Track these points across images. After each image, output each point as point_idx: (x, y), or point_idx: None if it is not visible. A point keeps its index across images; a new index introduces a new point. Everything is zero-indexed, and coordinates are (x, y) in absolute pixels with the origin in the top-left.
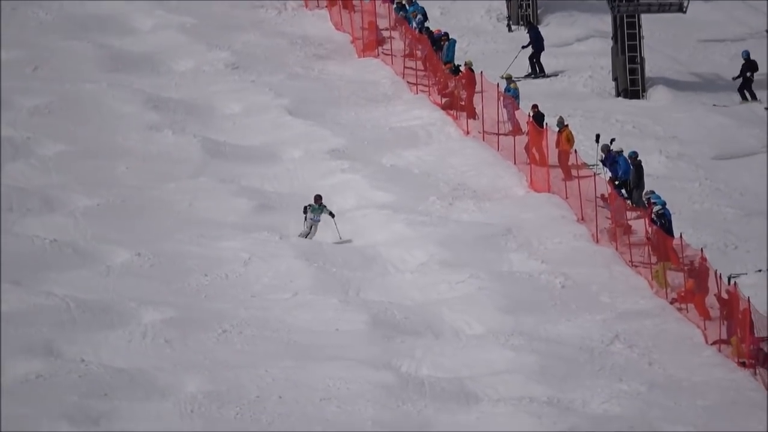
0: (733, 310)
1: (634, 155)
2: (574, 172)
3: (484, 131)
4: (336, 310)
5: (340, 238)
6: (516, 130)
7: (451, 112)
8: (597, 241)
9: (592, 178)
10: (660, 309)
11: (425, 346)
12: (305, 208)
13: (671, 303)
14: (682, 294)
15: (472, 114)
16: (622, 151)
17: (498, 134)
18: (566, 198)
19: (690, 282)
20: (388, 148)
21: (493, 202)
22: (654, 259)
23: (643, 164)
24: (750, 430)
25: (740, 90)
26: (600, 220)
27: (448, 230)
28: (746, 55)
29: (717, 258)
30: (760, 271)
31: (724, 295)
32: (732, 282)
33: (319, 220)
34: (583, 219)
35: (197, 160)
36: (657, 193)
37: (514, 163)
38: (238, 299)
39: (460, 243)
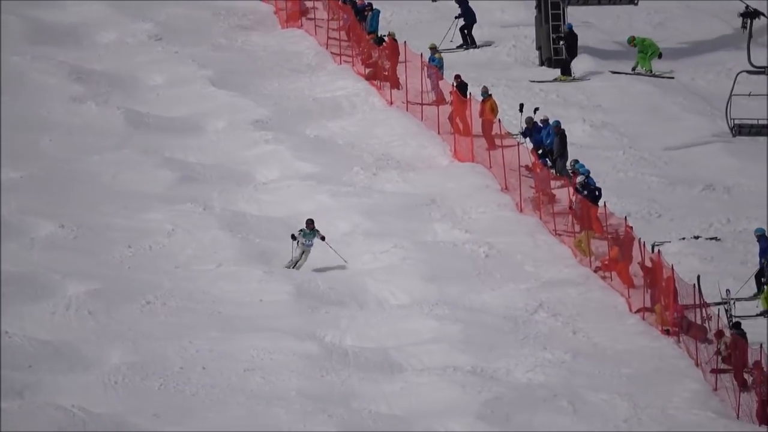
0: (656, 278)
1: (557, 124)
2: (497, 142)
3: (408, 101)
4: (260, 281)
5: (345, 261)
6: (440, 100)
7: (375, 82)
8: (521, 211)
9: (516, 147)
10: (584, 277)
11: (349, 316)
12: (293, 235)
13: (595, 271)
14: (606, 262)
15: (395, 84)
16: (546, 121)
17: (422, 104)
18: (490, 167)
19: (614, 250)
20: (312, 119)
21: (417, 172)
22: (578, 228)
23: (566, 133)
24: (674, 397)
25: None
26: (524, 189)
27: (372, 200)
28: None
29: (641, 226)
30: (683, 239)
31: (648, 264)
32: (656, 250)
33: (311, 245)
34: (507, 188)
35: (121, 132)
36: (581, 162)
37: (438, 133)
38: (162, 271)
39: (384, 213)
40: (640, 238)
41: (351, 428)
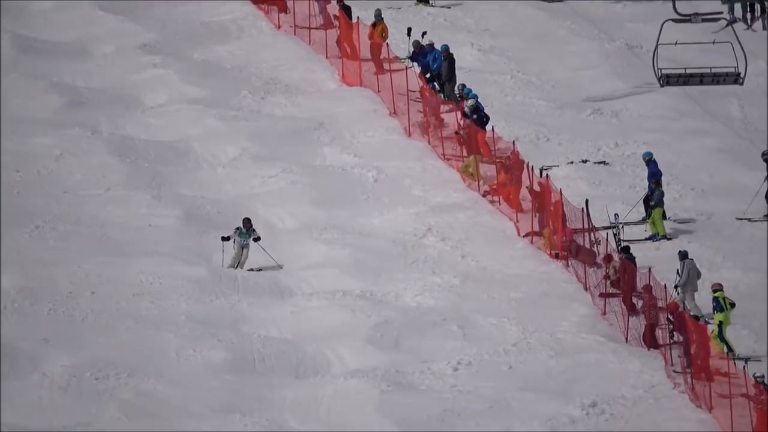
0: (545, 203)
1: (445, 49)
2: (386, 66)
3: (295, 25)
4: (149, 205)
5: (279, 265)
6: (327, 24)
7: (263, 6)
8: (409, 135)
9: (404, 71)
10: (472, 202)
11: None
12: (224, 237)
13: (484, 196)
14: (495, 187)
15: (283, 8)
16: (433, 45)
17: (309, 28)
18: (378, 92)
19: (502, 175)
20: (199, 43)
21: (305, 96)
22: (466, 153)
23: (455, 57)
24: (563, 321)
25: None
26: (412, 114)
27: (260, 125)
28: None
29: (529, 150)
30: (571, 163)
31: (536, 188)
32: (544, 174)
33: (248, 245)
34: (395, 113)
35: (8, 57)
36: (469, 86)
37: (326, 57)
38: (51, 195)
39: (272, 137)
40: (528, 162)
41: (241, 352)
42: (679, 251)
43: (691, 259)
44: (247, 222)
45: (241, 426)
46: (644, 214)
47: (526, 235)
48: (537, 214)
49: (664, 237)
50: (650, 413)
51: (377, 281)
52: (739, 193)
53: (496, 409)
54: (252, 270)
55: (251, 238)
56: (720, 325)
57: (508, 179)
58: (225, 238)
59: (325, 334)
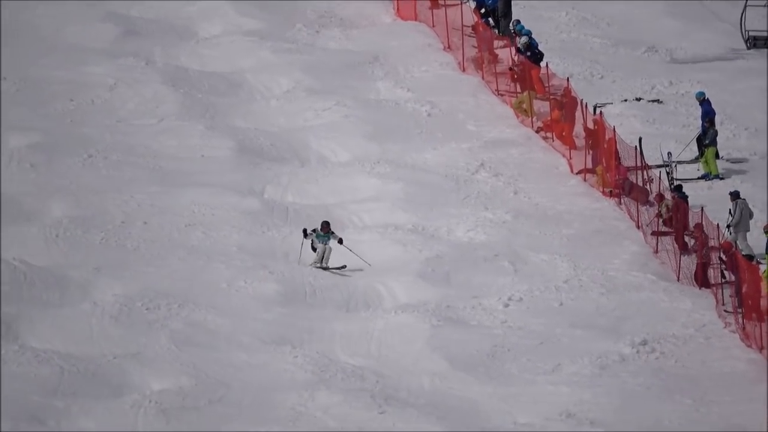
0: (598, 140)
1: None
2: (441, 1)
3: None
4: (202, 136)
5: (368, 263)
6: None
7: None
8: (463, 70)
9: (459, 6)
10: (525, 138)
11: (291, 173)
12: (305, 230)
13: (537, 132)
14: (548, 123)
15: None
16: None
17: None
18: (433, 26)
19: (556, 111)
20: None
21: (359, 30)
22: (519, 89)
23: None
24: (614, 259)
25: None
26: (466, 48)
27: (314, 58)
28: None
29: (583, 88)
30: (625, 100)
31: (590, 125)
32: (598, 111)
33: (329, 246)
34: (449, 47)
35: None
36: (523, 23)
37: None
38: (104, 124)
39: (326, 71)
40: (582, 100)
41: (292, 285)
42: (731, 191)
43: (744, 199)
44: (325, 225)
45: (291, 358)
46: (697, 153)
47: (578, 172)
48: (590, 152)
49: (717, 176)
50: (700, 352)
51: (429, 216)
52: None
53: (546, 346)
54: (335, 269)
55: (330, 241)
56: None
57: (561, 116)
58: (306, 234)
59: (376, 267)
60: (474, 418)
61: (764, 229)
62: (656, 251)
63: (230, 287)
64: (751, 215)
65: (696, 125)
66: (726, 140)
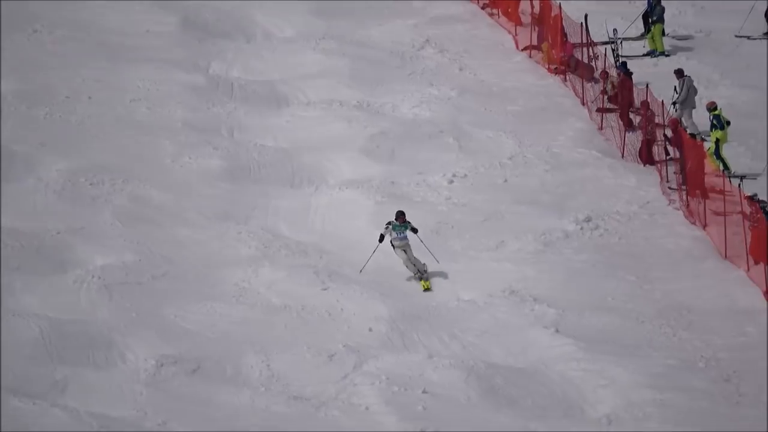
0: (544, 17)
1: None
2: None
3: None
4: (147, 11)
5: (438, 262)
6: None
7: None
8: None
9: None
10: (471, 14)
11: (236, 48)
12: (381, 235)
13: (482, 8)
14: None
15: None
16: None
17: None
18: None
19: None
20: None
21: None
22: None
23: None
24: (559, 135)
25: None
26: None
27: None
28: None
29: None
30: None
31: (536, 1)
32: None
33: (406, 238)
34: None
35: None
36: None
37: None
38: None
39: None
40: None
41: (236, 161)
42: (677, 68)
43: (689, 76)
44: (401, 215)
45: (236, 234)
46: (643, 30)
47: (524, 49)
48: (536, 28)
49: (663, 53)
50: (644, 229)
51: (374, 92)
52: (739, 10)
53: (490, 222)
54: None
55: (407, 230)
56: (717, 142)
57: None
58: (382, 239)
59: (320, 143)
60: (417, 295)
61: (707, 107)
62: (601, 128)
63: (175, 163)
64: (696, 92)
65: (642, 2)
66: (672, 17)
